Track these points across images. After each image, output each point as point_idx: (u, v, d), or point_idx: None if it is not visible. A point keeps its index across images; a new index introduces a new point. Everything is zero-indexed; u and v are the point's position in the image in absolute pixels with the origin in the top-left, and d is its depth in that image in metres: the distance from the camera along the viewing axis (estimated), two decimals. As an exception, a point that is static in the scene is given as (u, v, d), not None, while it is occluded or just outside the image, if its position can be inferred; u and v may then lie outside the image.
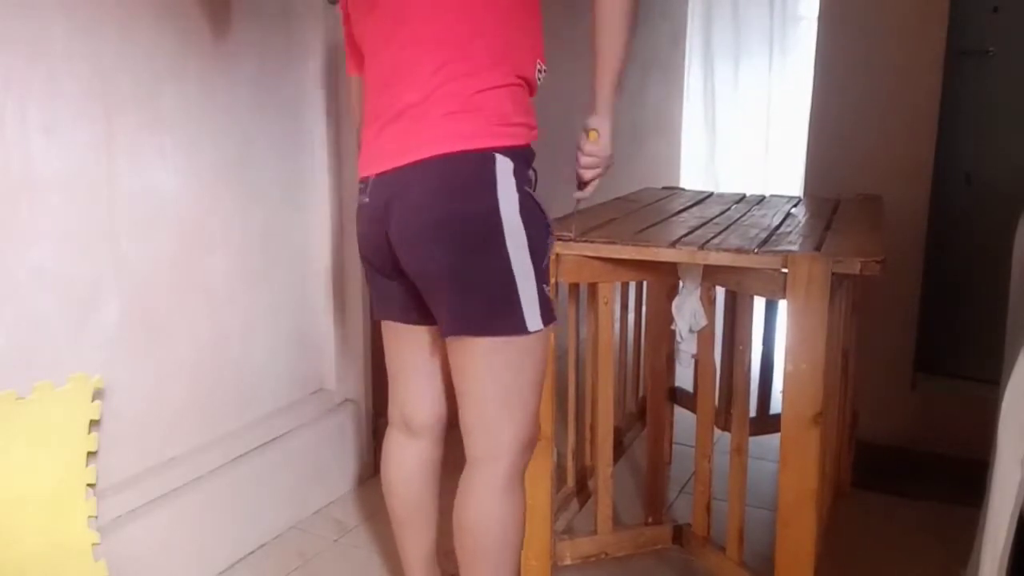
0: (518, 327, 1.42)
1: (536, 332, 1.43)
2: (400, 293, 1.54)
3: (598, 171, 1.57)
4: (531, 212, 1.42)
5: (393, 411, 1.68)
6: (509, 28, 1.43)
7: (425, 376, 1.62)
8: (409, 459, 1.66)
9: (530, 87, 1.49)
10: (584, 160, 1.55)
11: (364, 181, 1.49)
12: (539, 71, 1.50)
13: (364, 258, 1.57)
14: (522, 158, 1.44)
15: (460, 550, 1.53)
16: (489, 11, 1.41)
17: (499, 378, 1.46)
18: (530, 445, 1.52)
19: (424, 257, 1.43)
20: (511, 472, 1.49)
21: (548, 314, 1.46)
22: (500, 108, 1.41)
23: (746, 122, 5.43)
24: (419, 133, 1.41)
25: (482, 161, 1.39)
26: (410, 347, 1.61)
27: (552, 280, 1.65)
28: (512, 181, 1.40)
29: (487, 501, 1.50)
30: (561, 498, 2.00)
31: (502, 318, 1.42)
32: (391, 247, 1.46)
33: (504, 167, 1.40)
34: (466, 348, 1.46)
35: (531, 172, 1.48)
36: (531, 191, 1.44)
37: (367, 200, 1.48)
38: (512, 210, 1.40)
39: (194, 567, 1.93)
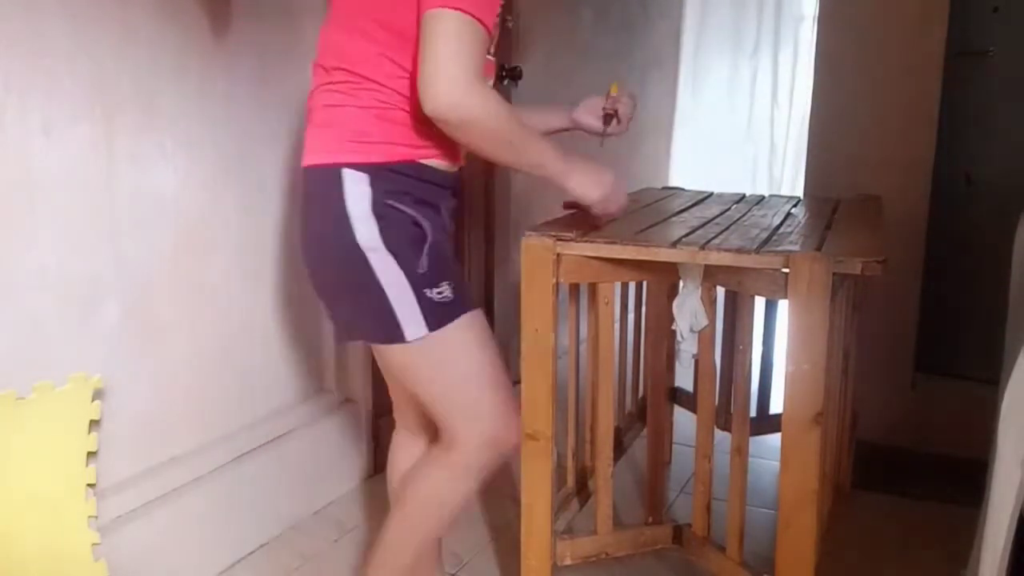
0: (395, 337, 1.40)
1: (420, 339, 1.40)
2: None
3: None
4: (394, 222, 1.38)
5: (396, 412, 1.70)
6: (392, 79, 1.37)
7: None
8: (413, 459, 1.65)
9: (415, 119, 1.38)
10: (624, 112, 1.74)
11: None
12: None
13: None
14: (384, 176, 1.38)
15: (392, 505, 1.62)
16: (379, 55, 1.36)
17: (421, 381, 1.48)
18: (490, 444, 1.49)
19: (308, 268, 1.48)
20: (466, 463, 1.49)
21: (438, 318, 1.40)
22: (356, 125, 1.38)
23: (747, 122, 5.42)
24: (306, 139, 1.46)
25: (329, 176, 1.38)
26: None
27: (552, 280, 1.65)
28: (367, 193, 1.36)
29: (434, 474, 1.53)
30: (561, 498, 2.00)
31: (380, 328, 1.41)
32: None
33: (355, 182, 1.37)
34: (377, 353, 1.50)
35: (410, 194, 1.40)
36: (397, 204, 1.38)
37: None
38: (366, 224, 1.36)
39: (194, 567, 1.93)
